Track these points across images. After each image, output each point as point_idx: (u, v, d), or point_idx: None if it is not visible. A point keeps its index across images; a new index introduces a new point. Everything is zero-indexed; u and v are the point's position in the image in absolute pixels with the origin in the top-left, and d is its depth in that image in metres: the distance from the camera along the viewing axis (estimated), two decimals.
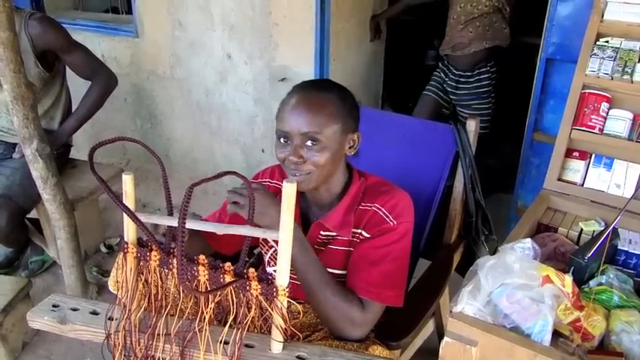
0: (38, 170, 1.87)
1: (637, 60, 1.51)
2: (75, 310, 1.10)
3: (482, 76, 2.73)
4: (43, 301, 1.13)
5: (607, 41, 1.56)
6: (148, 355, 1.00)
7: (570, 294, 1.11)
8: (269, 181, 1.36)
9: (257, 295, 0.95)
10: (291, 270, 0.96)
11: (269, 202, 1.11)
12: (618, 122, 1.50)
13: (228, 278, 0.95)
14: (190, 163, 3.25)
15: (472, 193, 1.64)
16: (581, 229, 1.42)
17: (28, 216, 2.20)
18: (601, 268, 1.26)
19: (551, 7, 2.01)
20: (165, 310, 1.01)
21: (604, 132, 1.51)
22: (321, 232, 1.25)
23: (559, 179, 1.57)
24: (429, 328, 1.63)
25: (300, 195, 1.27)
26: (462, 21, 2.66)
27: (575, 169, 1.56)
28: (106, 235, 2.66)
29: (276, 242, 0.94)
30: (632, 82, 1.50)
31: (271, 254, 1.34)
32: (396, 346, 1.25)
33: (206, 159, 3.18)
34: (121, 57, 3.15)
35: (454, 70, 2.79)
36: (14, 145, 2.17)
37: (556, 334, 1.08)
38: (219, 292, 0.95)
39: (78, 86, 2.29)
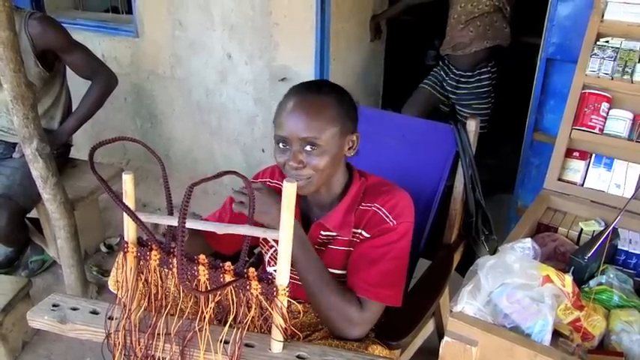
0: (38, 170, 1.87)
1: (637, 60, 1.51)
2: (75, 309, 1.10)
3: (482, 76, 2.73)
4: (43, 301, 1.13)
5: (607, 41, 1.56)
6: (148, 355, 1.00)
7: (570, 294, 1.11)
8: (269, 181, 1.36)
9: (257, 295, 0.95)
10: (291, 269, 0.96)
11: (272, 201, 1.12)
12: (618, 122, 1.50)
13: (228, 278, 0.95)
14: (190, 163, 3.25)
15: (472, 193, 1.64)
16: (581, 229, 1.42)
17: (28, 215, 2.20)
18: (601, 268, 1.26)
19: (551, 7, 2.01)
20: (165, 309, 1.01)
21: (604, 132, 1.51)
22: (322, 232, 1.25)
23: (559, 179, 1.57)
24: (429, 327, 1.63)
25: (301, 195, 1.27)
26: (462, 20, 2.66)
27: (576, 169, 1.56)
28: (106, 234, 2.66)
29: (277, 242, 0.94)
30: (632, 82, 1.50)
31: (271, 254, 1.34)
32: (396, 346, 1.25)
33: (206, 159, 3.18)
34: (121, 57, 3.15)
35: (455, 70, 2.79)
36: (14, 144, 2.17)
37: (556, 333, 1.08)
38: (219, 292, 0.95)
39: (78, 86, 2.29)
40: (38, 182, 1.89)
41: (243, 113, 2.92)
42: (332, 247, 1.25)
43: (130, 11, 3.14)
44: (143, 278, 1.01)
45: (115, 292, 1.04)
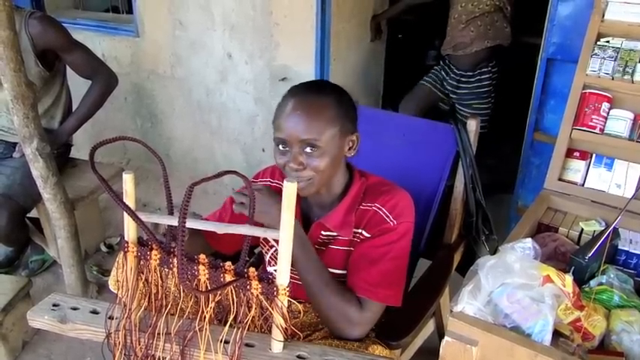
0: (38, 169, 1.87)
1: (638, 60, 1.51)
2: (75, 309, 1.10)
3: (483, 76, 2.73)
4: (43, 301, 1.13)
5: (608, 41, 1.56)
6: (148, 355, 1.00)
7: (571, 294, 1.11)
8: (270, 181, 1.36)
9: (257, 295, 0.95)
10: (291, 269, 0.96)
11: (272, 201, 1.12)
12: (619, 122, 1.50)
13: (228, 277, 0.95)
14: (191, 163, 3.25)
15: (472, 193, 1.64)
16: (582, 229, 1.42)
17: (28, 215, 2.20)
18: (601, 268, 1.26)
19: (551, 7, 2.01)
20: (165, 309, 1.01)
21: (605, 132, 1.51)
22: (322, 232, 1.25)
23: (559, 179, 1.57)
24: (429, 327, 1.63)
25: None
26: (463, 20, 2.66)
27: (576, 169, 1.56)
28: (107, 234, 2.65)
29: (277, 242, 0.94)
30: (632, 82, 1.50)
31: (272, 254, 1.34)
32: (397, 346, 1.25)
33: (206, 158, 3.18)
34: (121, 56, 3.15)
35: (455, 70, 2.79)
36: (14, 144, 2.17)
37: (556, 333, 1.08)
38: (219, 292, 0.95)
39: (78, 85, 2.29)
40: (38, 182, 1.89)
41: (243, 113, 2.92)
42: (332, 246, 1.25)
43: (130, 11, 3.14)
44: (143, 278, 1.01)
45: (115, 291, 1.04)
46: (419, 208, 1.32)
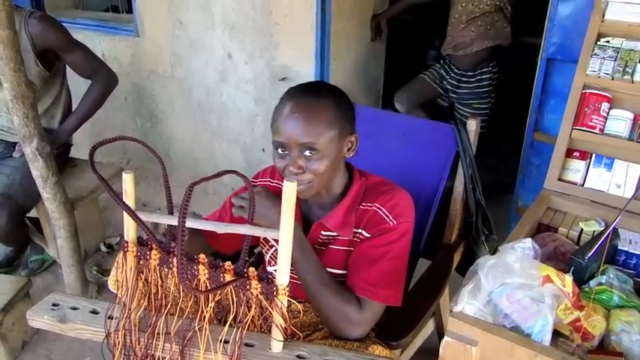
0: (38, 169, 1.87)
1: (638, 60, 1.51)
2: (75, 309, 1.10)
3: (483, 76, 2.73)
4: (42, 300, 1.13)
5: (608, 41, 1.56)
6: (147, 354, 1.00)
7: (570, 294, 1.11)
8: (269, 181, 1.36)
9: (257, 295, 0.95)
10: (291, 269, 0.96)
11: (270, 204, 1.13)
12: (619, 122, 1.50)
13: (228, 277, 0.95)
14: (190, 163, 3.25)
15: (472, 193, 1.64)
16: (582, 229, 1.42)
17: (28, 215, 2.20)
18: (601, 268, 1.26)
19: (551, 7, 2.01)
20: (165, 309, 1.01)
21: (604, 132, 1.51)
22: (322, 232, 1.25)
23: (559, 179, 1.57)
24: (429, 327, 1.63)
25: None
26: (463, 20, 2.66)
27: (576, 169, 1.56)
28: (106, 234, 2.65)
29: (277, 241, 0.94)
30: (632, 82, 1.50)
31: (272, 254, 1.34)
32: (396, 346, 1.25)
33: (206, 158, 3.18)
34: (121, 56, 3.15)
35: (455, 70, 2.79)
36: (14, 144, 2.17)
37: (556, 333, 1.08)
38: (219, 291, 0.95)
39: (78, 85, 2.28)
40: (38, 182, 1.89)
41: (243, 113, 2.92)
42: (332, 247, 1.25)
43: (130, 10, 3.14)
44: (143, 278, 1.01)
45: (115, 291, 1.04)
46: (419, 208, 1.32)
